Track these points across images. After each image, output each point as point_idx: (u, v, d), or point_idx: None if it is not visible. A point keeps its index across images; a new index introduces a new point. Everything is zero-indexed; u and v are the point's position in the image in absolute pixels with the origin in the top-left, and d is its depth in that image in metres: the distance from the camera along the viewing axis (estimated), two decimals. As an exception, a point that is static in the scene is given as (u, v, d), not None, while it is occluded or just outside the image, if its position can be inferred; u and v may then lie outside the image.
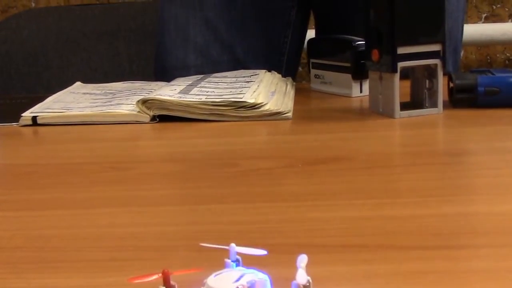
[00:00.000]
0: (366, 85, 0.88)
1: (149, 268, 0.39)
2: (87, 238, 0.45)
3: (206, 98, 0.80)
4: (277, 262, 0.39)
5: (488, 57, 1.97)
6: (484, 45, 1.94)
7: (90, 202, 0.52)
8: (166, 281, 0.33)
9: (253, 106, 0.78)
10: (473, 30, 1.87)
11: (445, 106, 0.78)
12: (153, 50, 1.16)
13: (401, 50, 0.75)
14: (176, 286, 0.33)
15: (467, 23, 1.93)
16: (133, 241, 0.44)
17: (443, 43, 0.76)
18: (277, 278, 0.37)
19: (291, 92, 0.91)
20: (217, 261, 0.40)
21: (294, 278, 0.37)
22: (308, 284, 0.33)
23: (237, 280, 0.32)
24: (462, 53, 1.96)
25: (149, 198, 0.53)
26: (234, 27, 1.09)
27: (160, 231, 0.46)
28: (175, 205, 0.52)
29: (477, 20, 1.94)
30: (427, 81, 0.78)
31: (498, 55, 1.97)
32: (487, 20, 1.94)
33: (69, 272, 0.39)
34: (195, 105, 0.79)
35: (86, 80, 1.05)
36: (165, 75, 1.08)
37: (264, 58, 1.10)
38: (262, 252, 0.35)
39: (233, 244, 0.34)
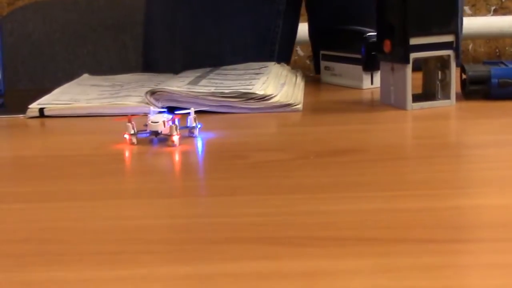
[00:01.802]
0: (377, 77, 0.87)
1: (158, 261, 0.38)
2: (95, 231, 0.44)
3: (215, 90, 0.79)
4: (289, 255, 0.39)
5: (497, 50, 1.96)
6: (493, 38, 1.93)
7: (98, 194, 0.51)
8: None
9: (263, 98, 0.77)
10: (482, 23, 1.86)
11: (458, 98, 0.77)
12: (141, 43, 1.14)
13: (414, 41, 0.73)
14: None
15: (475, 15, 1.92)
16: (142, 234, 0.43)
17: (456, 34, 0.75)
18: (290, 272, 0.36)
19: (300, 84, 0.90)
20: (229, 254, 0.39)
21: (307, 272, 0.36)
22: None
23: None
24: (470, 46, 1.94)
25: (158, 190, 0.52)
26: (222, 18, 1.07)
27: (170, 223, 0.45)
28: (185, 197, 0.51)
29: (486, 12, 1.93)
30: (439, 73, 0.77)
31: (507, 48, 1.96)
32: (496, 12, 1.93)
33: (76, 265, 0.39)
34: (204, 96, 0.78)
35: (93, 72, 1.05)
36: (151, 69, 1.06)
37: (254, 49, 1.08)
38: None
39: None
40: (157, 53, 1.08)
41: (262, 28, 1.09)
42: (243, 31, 1.07)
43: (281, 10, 1.09)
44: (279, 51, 1.10)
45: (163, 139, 0.64)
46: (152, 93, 0.79)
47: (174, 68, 1.01)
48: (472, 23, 1.84)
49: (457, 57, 0.75)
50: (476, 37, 1.91)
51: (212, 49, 1.07)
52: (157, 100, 0.78)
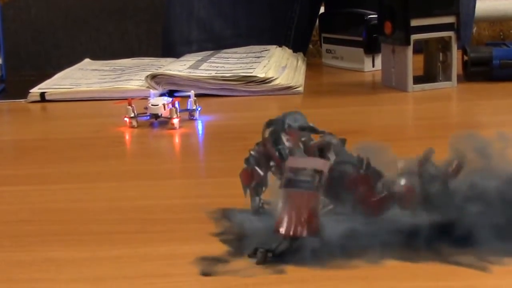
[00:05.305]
0: (378, 60, 0.86)
1: (156, 241, 0.38)
2: (94, 212, 0.44)
3: (216, 73, 0.79)
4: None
5: (501, 33, 1.95)
6: (497, 21, 1.92)
7: (98, 176, 0.52)
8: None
9: (264, 81, 0.77)
10: (486, 6, 1.85)
11: (459, 79, 0.77)
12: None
13: (415, 23, 0.73)
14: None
15: (480, -1, 1.90)
16: (140, 214, 0.43)
17: (457, 15, 0.74)
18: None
19: (302, 67, 0.89)
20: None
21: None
22: None
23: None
24: (474, 29, 1.93)
25: (157, 172, 0.52)
26: (239, 1, 1.07)
27: (168, 204, 0.45)
28: (183, 178, 0.52)
29: (490, -4, 1.92)
30: (440, 54, 0.76)
31: (511, 31, 1.95)
32: (501, -4, 1.92)
33: (75, 245, 0.39)
34: (205, 80, 0.77)
35: (95, 59, 1.04)
36: (169, 50, 1.06)
37: (269, 33, 1.07)
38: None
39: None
40: (175, 35, 1.08)
41: (278, 12, 1.09)
42: (258, 14, 1.07)
43: None
44: (295, 36, 1.09)
45: (163, 122, 0.64)
46: (153, 77, 0.79)
47: (191, 50, 1.01)
48: (476, 6, 1.83)
49: (458, 38, 0.75)
50: (480, 20, 1.89)
51: (227, 31, 1.07)
52: (158, 84, 0.78)
